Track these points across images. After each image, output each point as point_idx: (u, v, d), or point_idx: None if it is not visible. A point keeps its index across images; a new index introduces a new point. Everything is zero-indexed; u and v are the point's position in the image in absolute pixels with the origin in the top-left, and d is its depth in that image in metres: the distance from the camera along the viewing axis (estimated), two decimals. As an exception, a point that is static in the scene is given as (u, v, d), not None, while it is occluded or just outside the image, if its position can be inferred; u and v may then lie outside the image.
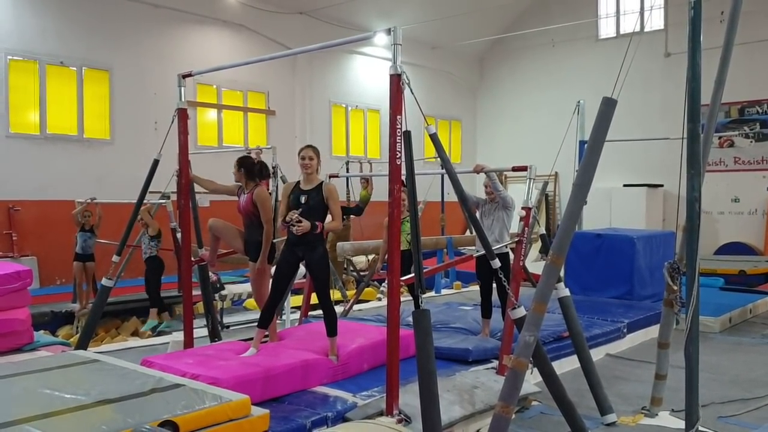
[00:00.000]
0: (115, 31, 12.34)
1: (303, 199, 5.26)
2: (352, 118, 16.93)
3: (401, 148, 4.34)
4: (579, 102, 11.26)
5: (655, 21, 16.97)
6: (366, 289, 10.17)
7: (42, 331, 8.26)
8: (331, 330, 5.37)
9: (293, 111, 15.04)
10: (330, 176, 7.62)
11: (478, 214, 6.31)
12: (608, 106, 3.56)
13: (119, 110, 12.46)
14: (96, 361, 4.81)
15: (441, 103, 18.80)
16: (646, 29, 16.91)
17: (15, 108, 11.23)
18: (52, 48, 11.57)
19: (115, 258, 6.57)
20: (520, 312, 4.96)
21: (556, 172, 17.31)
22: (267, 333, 5.63)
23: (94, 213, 9.60)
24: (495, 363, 5.85)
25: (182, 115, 5.98)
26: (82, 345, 6.17)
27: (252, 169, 5.79)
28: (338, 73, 16.24)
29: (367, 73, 16.97)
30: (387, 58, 16.24)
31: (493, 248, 6.18)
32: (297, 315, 8.11)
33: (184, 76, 6.02)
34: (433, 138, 4.80)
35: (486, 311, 6.66)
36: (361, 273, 11.80)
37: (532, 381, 5.57)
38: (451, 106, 19.56)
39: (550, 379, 4.62)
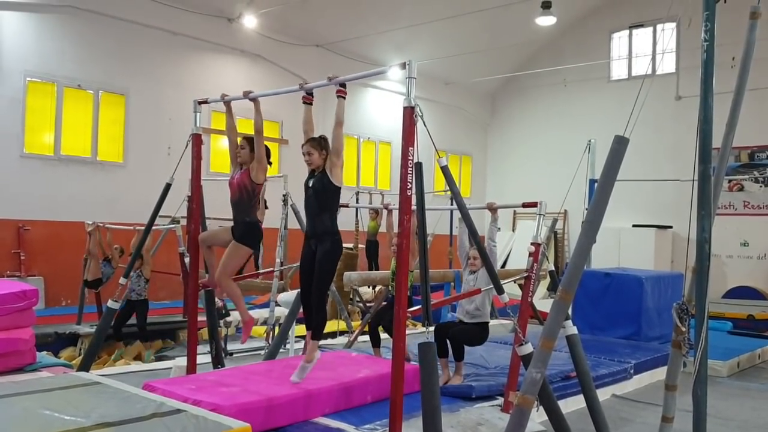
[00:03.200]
0: (132, 57, 12.52)
1: (310, 183, 5.24)
2: (364, 149, 17.02)
3: (412, 180, 4.35)
4: (590, 141, 11.28)
5: (667, 65, 17.09)
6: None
7: (45, 352, 8.23)
8: (317, 333, 5.25)
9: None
10: (340, 206, 7.61)
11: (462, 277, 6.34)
12: (620, 144, 3.56)
13: (133, 134, 12.58)
14: (97, 383, 4.78)
15: (452, 138, 18.89)
16: (658, 72, 17.03)
17: (31, 129, 11.37)
18: (71, 71, 11.73)
19: (122, 281, 6.57)
20: (527, 349, 4.91)
21: (566, 210, 17.30)
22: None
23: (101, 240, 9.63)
24: (500, 400, 5.78)
25: (196, 141, 6.02)
26: (85, 367, 6.15)
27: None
28: (351, 105, 16.22)
29: (380, 105, 17.11)
30: (399, 92, 16.42)
31: (474, 318, 6.13)
32: (301, 344, 8.06)
33: (200, 103, 6.08)
34: (445, 170, 4.81)
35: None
36: (367, 304, 11.74)
37: (537, 419, 5.49)
38: (462, 142, 19.66)
39: (555, 418, 4.56)
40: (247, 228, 5.70)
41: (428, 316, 4.27)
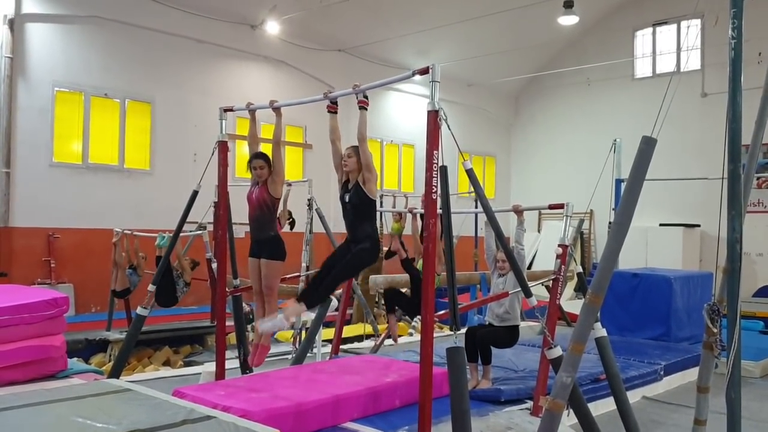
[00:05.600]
0: (158, 65, 12.66)
1: (347, 198, 5.26)
2: (387, 152, 17.03)
3: (437, 183, 4.34)
4: (615, 140, 11.17)
5: (692, 61, 16.87)
6: (397, 323, 10.10)
7: (75, 359, 8.33)
8: (304, 299, 5.17)
9: (330, 145, 15.13)
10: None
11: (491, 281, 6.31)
12: (648, 145, 3.53)
13: (160, 142, 12.71)
14: (128, 390, 4.82)
15: (476, 139, 18.83)
16: (683, 69, 16.82)
17: (59, 138, 11.52)
18: (97, 80, 11.89)
19: (150, 287, 6.64)
20: (557, 352, 4.88)
21: (592, 210, 17.16)
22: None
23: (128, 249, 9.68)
24: (529, 403, 5.74)
25: (222, 148, 6.06)
26: (115, 373, 6.22)
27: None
28: (374, 109, 16.33)
29: (402, 108, 17.10)
30: (422, 95, 16.42)
31: (503, 322, 6.10)
32: (328, 348, 8.08)
33: (226, 110, 6.11)
34: (470, 173, 4.79)
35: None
36: (393, 308, 11.72)
37: (567, 423, 5.45)
38: (485, 143, 19.60)
39: (585, 421, 4.52)
40: (275, 244, 5.67)
41: (456, 320, 4.25)
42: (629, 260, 13.03)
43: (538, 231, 19.06)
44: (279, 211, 10.00)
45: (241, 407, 4.52)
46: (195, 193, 6.36)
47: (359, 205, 5.21)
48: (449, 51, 16.56)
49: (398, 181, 17.22)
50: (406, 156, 17.47)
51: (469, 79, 18.20)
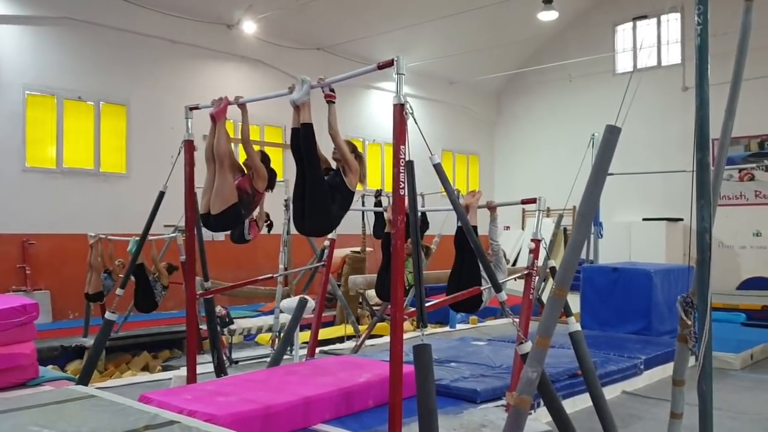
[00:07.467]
0: (132, 66, 12.51)
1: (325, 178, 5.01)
2: (369, 151, 16.94)
3: (405, 179, 4.26)
4: (593, 135, 11.15)
5: (673, 56, 16.95)
6: (379, 323, 10.02)
7: (50, 366, 8.19)
8: None
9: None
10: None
11: None
12: (612, 134, 3.46)
13: (135, 144, 12.57)
14: (92, 396, 4.70)
15: (459, 138, 18.79)
16: (664, 64, 16.90)
17: (32, 142, 11.36)
18: (70, 83, 11.73)
19: (119, 292, 6.52)
20: (527, 347, 4.79)
21: (574, 206, 17.13)
22: None
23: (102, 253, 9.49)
24: (504, 400, 5.67)
25: (188, 147, 5.94)
26: (84, 380, 6.09)
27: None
28: (355, 108, 16.29)
29: (384, 107, 16.98)
30: (405, 93, 16.27)
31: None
32: (304, 351, 7.97)
33: (191, 109, 6.01)
34: (437, 168, 4.73)
35: None
36: (375, 308, 11.65)
37: (543, 420, 5.38)
38: (469, 141, 19.55)
39: (559, 417, 4.45)
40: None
41: (423, 317, 4.17)
42: (613, 255, 13.05)
43: (522, 228, 19.03)
44: (256, 214, 9.91)
45: (206, 411, 4.41)
46: (161, 194, 6.24)
47: (335, 187, 4.97)
48: (429, 48, 16.48)
49: (381, 181, 17.11)
50: (389, 155, 17.37)
51: (451, 77, 18.14)
